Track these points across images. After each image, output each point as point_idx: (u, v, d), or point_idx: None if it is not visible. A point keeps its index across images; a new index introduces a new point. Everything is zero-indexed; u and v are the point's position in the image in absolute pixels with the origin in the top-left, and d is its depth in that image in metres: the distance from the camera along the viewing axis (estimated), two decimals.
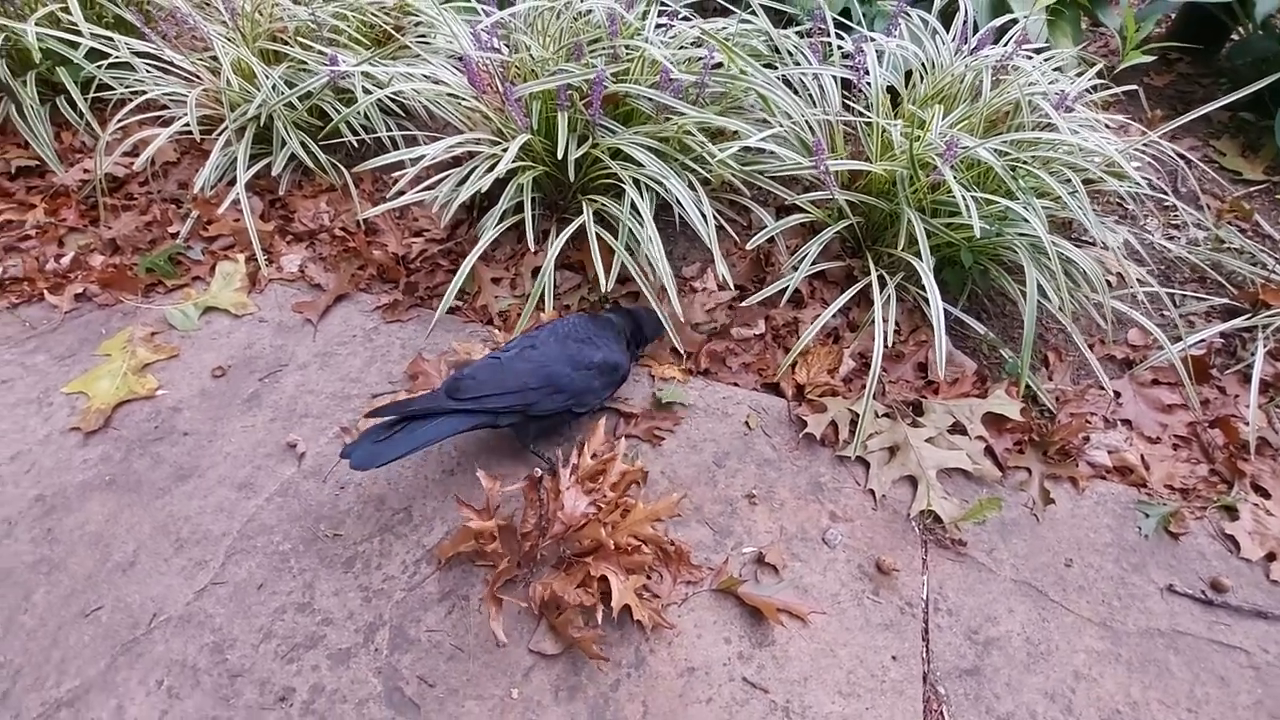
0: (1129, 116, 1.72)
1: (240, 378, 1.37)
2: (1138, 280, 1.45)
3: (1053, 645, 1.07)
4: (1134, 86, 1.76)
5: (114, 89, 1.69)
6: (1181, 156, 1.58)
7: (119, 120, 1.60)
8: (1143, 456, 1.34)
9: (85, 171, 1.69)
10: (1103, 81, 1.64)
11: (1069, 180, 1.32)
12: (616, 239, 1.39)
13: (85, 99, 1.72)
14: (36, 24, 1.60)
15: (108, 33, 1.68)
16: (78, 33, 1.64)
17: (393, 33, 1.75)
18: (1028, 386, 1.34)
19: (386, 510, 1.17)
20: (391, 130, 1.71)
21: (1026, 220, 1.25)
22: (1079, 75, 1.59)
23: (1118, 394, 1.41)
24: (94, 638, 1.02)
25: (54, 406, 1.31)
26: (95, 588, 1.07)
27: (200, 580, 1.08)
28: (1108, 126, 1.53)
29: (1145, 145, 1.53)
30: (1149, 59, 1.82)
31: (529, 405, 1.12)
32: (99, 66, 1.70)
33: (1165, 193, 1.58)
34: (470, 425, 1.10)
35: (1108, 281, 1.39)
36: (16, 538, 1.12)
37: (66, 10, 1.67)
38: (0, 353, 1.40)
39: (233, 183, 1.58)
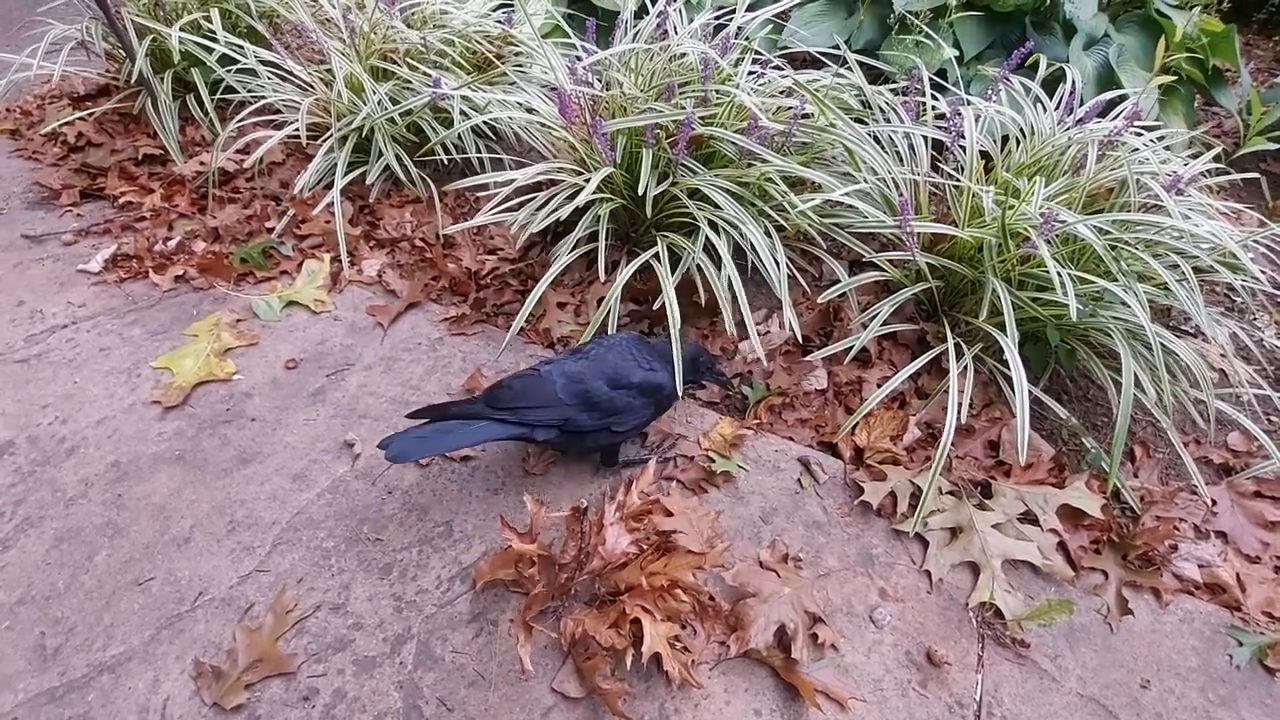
0: (1247, 204, 1.60)
1: (310, 371, 1.43)
2: (1246, 380, 1.33)
3: None
4: (1253, 174, 1.65)
5: (237, 92, 1.83)
6: None
7: (238, 120, 1.73)
8: (1238, 576, 1.21)
9: (201, 164, 1.83)
10: (1218, 165, 1.54)
11: (1176, 266, 1.24)
12: (689, 276, 1.39)
13: (212, 99, 1.88)
14: (180, 29, 1.76)
15: (239, 41, 1.83)
16: (214, 39, 1.79)
17: (494, 60, 1.84)
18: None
19: (429, 522, 1.18)
20: (480, 152, 1.78)
21: (1126, 304, 1.17)
22: (1193, 157, 1.51)
23: (1213, 501, 1.29)
24: (142, 607, 1.06)
25: (141, 378, 1.39)
26: (151, 558, 1.11)
27: (246, 565, 1.11)
28: (1221, 213, 1.43)
29: (1263, 236, 1.42)
30: (1272, 146, 1.71)
31: (564, 420, 1.11)
32: (228, 70, 1.85)
33: None
34: (507, 435, 1.09)
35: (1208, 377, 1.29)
36: (90, 499, 1.19)
37: (208, 19, 1.84)
38: (103, 322, 1.51)
39: (329, 187, 1.67)
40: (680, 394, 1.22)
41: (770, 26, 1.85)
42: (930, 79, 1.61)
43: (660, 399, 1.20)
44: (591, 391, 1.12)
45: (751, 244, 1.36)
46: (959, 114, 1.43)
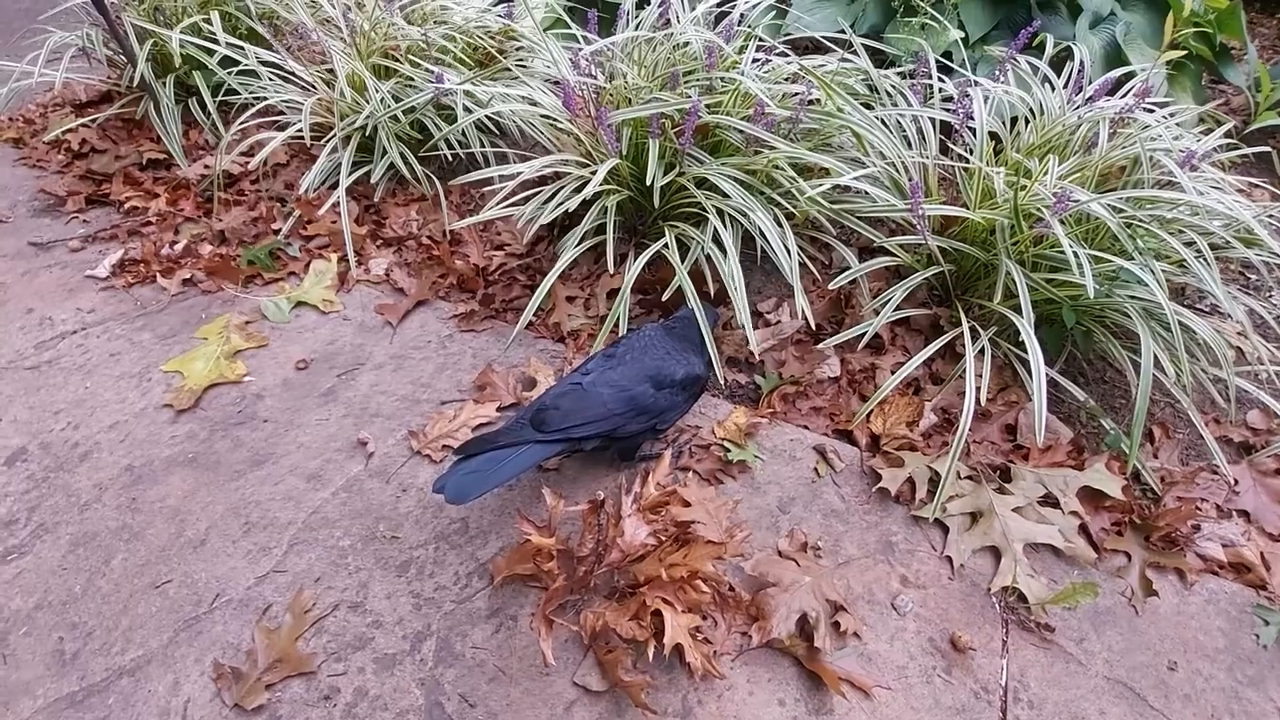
0: (1259, 180, 1.58)
1: (320, 372, 1.42)
2: (1265, 357, 1.31)
3: None
4: (1265, 149, 1.63)
5: (240, 94, 1.82)
6: None
7: (240, 123, 1.73)
8: (1262, 554, 1.19)
9: (206, 167, 1.83)
10: (1230, 141, 1.52)
11: (1193, 243, 1.22)
12: (694, 267, 1.38)
13: (214, 101, 1.87)
14: (181, 33, 1.76)
15: (240, 43, 1.82)
16: (215, 42, 1.79)
17: (496, 55, 1.82)
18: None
19: (444, 518, 1.17)
20: (485, 147, 1.77)
21: (1143, 283, 1.16)
22: (1204, 133, 1.49)
23: (1235, 480, 1.27)
24: (160, 610, 1.05)
25: (152, 382, 1.39)
26: (167, 561, 1.11)
27: (263, 566, 1.11)
28: (1238, 189, 1.41)
29: (1277, 211, 1.40)
30: None
31: (614, 430, 1.11)
32: (229, 73, 1.84)
33: None
34: (556, 452, 1.10)
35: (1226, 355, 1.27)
36: (105, 503, 1.19)
37: (208, 21, 1.83)
38: (113, 327, 1.51)
39: (334, 187, 1.66)
40: (719, 373, 1.24)
41: (773, 13, 1.83)
42: (936, 61, 1.59)
43: (698, 389, 1.21)
44: (639, 397, 1.12)
45: (761, 230, 1.35)
46: (967, 95, 1.42)
